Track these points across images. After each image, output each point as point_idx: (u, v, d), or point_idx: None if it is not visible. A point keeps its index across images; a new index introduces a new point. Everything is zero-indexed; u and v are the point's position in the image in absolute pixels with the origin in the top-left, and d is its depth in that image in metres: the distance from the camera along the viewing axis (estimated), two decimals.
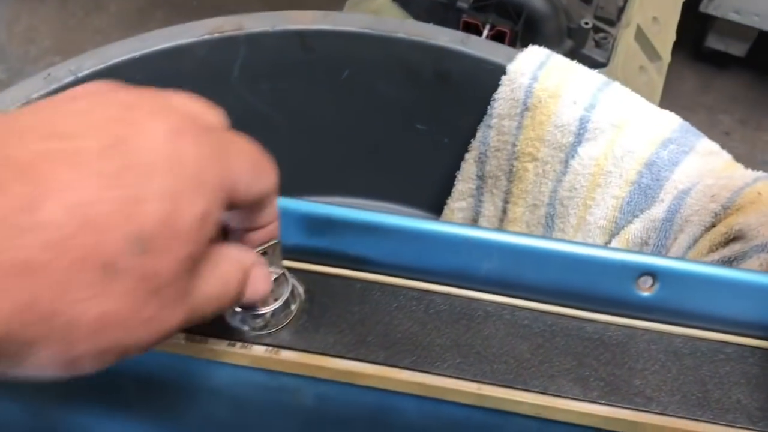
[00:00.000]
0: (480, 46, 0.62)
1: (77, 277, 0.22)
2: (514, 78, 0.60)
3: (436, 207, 0.72)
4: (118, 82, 0.27)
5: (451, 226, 0.37)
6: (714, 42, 1.69)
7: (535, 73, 0.59)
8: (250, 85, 0.64)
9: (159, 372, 0.37)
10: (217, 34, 0.61)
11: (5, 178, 0.21)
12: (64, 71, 0.58)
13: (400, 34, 0.63)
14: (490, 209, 0.68)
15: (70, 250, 0.21)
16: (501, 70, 0.61)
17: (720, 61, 1.75)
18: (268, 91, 0.66)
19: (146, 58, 0.60)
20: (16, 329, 0.21)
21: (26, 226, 0.21)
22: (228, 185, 0.27)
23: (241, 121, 0.32)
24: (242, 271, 0.30)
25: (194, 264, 0.26)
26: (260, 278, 0.32)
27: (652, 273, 0.36)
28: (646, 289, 0.37)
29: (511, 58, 0.60)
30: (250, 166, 0.29)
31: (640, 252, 0.51)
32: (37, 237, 0.21)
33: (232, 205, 0.28)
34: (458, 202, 0.69)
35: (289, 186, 0.37)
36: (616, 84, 0.58)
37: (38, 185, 0.21)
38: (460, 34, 0.62)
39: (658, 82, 1.26)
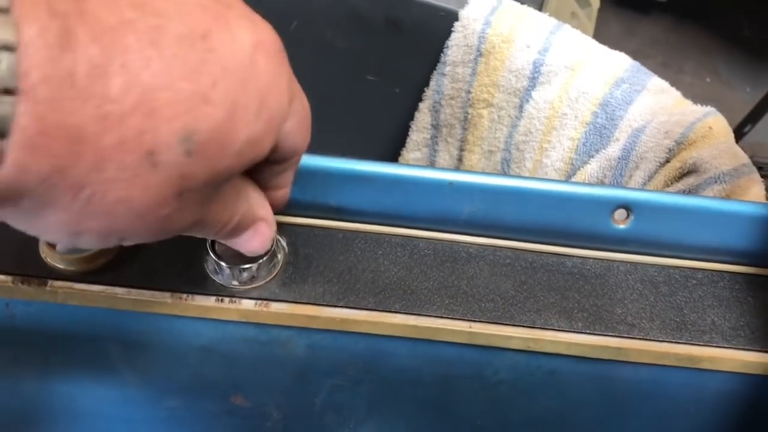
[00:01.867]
0: None
1: (118, 157, 0.21)
2: (466, 24, 0.60)
3: (389, 159, 0.72)
4: None
5: (431, 170, 0.37)
6: None
7: (488, 18, 0.59)
8: None
9: (145, 334, 0.36)
10: None
11: (84, 37, 0.20)
12: None
13: None
14: (445, 158, 0.68)
15: (121, 128, 0.21)
16: (453, 17, 0.60)
17: (642, 6, 1.80)
18: None
19: None
20: (41, 189, 0.20)
21: (87, 92, 0.20)
22: (281, 123, 0.26)
23: None
24: (251, 217, 0.30)
25: (224, 182, 0.26)
26: (260, 236, 0.31)
27: (627, 206, 0.37)
28: (621, 222, 0.38)
29: (463, 4, 0.60)
30: (301, 117, 0.28)
31: (616, 186, 0.53)
32: (94, 106, 0.20)
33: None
34: (413, 153, 0.69)
35: None
36: (567, 26, 0.59)
37: (112, 55, 0.20)
38: None
39: (589, 27, 1.28)
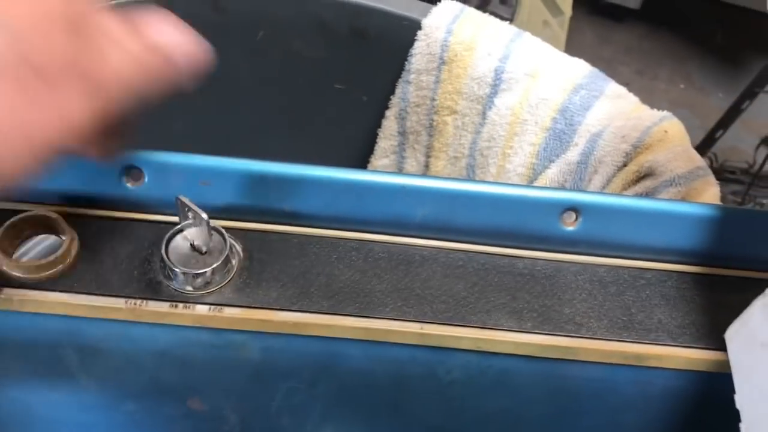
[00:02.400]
0: (395, 2, 0.62)
1: None
2: (429, 32, 0.61)
3: (359, 166, 0.73)
4: None
5: (384, 175, 0.38)
6: None
7: (450, 26, 0.60)
8: None
9: (101, 340, 0.36)
10: None
11: None
12: None
13: None
14: (412, 164, 0.69)
15: None
16: (416, 25, 0.61)
17: (616, 14, 1.82)
18: None
19: None
20: None
21: None
22: None
23: None
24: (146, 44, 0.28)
25: (77, 35, 0.25)
26: (168, 29, 0.29)
27: (575, 208, 0.38)
28: (570, 224, 0.39)
29: (425, 13, 0.61)
30: None
31: (563, 189, 0.54)
32: None
33: None
34: (381, 160, 0.70)
35: (205, 153, 0.37)
36: (527, 34, 0.60)
37: None
38: None
39: (561, 36, 1.30)
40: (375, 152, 0.71)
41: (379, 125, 0.69)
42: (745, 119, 1.51)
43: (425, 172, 0.68)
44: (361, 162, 0.73)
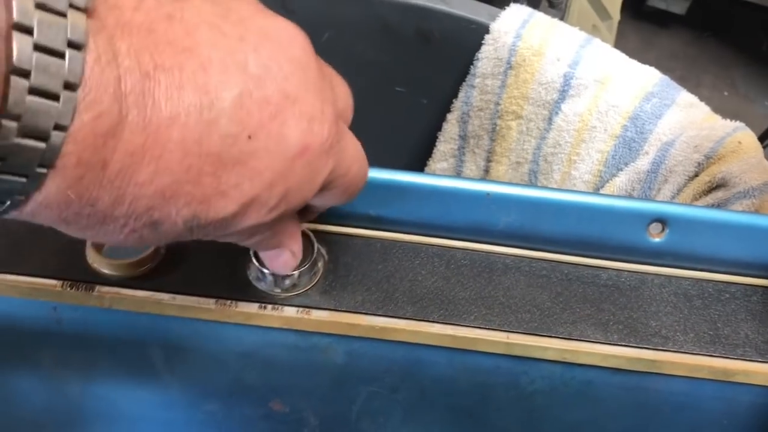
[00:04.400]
0: (462, 5, 0.62)
1: (123, 221, 0.22)
2: (497, 37, 0.61)
3: (416, 168, 0.73)
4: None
5: (469, 182, 0.38)
6: (655, 1, 1.74)
7: (519, 31, 0.60)
8: None
9: (188, 339, 0.37)
10: None
11: (134, 126, 0.20)
12: None
13: None
14: (472, 168, 0.68)
15: (134, 206, 0.22)
16: (484, 29, 0.61)
17: (661, 20, 1.80)
18: None
19: None
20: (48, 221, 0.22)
21: (113, 179, 0.21)
22: (298, 207, 0.28)
23: None
24: (276, 244, 0.31)
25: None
26: (281, 262, 0.33)
27: (663, 219, 0.38)
28: (656, 235, 0.38)
29: (493, 17, 0.61)
30: (343, 189, 0.30)
31: (651, 200, 0.53)
32: (115, 189, 0.21)
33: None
34: (440, 163, 0.70)
35: None
36: (597, 40, 0.60)
37: (152, 147, 0.21)
38: None
39: (609, 40, 1.29)
40: (434, 155, 0.71)
41: (438, 128, 0.69)
42: None
43: (485, 176, 0.68)
44: (419, 165, 0.73)
